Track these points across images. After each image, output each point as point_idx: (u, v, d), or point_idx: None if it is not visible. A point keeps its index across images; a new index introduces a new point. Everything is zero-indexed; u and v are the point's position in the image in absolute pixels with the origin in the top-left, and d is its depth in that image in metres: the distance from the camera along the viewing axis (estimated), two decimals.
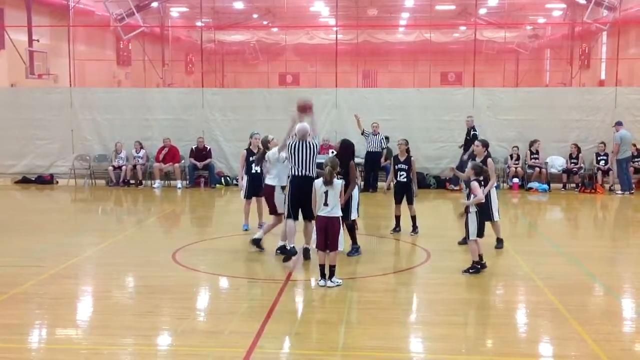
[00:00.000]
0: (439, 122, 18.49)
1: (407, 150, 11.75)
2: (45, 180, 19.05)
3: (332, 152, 15.22)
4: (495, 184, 10.40)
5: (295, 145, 9.47)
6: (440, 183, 18.25)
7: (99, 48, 31.02)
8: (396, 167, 11.74)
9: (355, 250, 10.09)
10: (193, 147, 18.60)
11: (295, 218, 9.48)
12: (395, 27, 39.23)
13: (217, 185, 18.52)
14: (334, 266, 8.41)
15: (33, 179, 19.13)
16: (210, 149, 18.67)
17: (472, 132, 17.06)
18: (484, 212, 9.34)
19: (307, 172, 9.38)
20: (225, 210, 16.25)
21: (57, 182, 19.19)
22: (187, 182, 18.51)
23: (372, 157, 17.52)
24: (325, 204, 8.38)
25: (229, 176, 18.75)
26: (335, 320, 7.18)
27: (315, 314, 7.70)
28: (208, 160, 18.51)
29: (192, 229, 13.40)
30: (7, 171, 19.37)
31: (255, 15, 38.55)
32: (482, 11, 34.00)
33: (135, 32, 24.55)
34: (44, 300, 8.03)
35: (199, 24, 31.43)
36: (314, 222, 9.02)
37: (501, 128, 18.57)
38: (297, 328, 7.13)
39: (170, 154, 18.53)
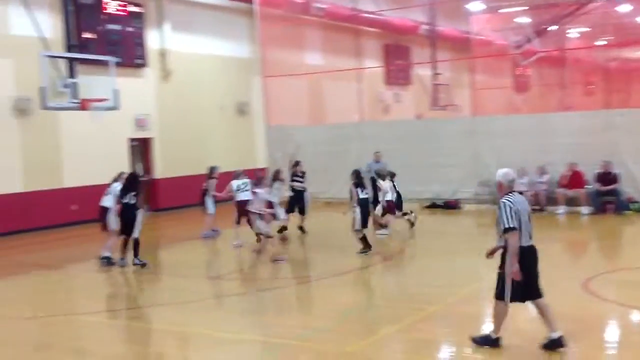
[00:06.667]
0: None
1: None
2: (451, 205, 19.94)
3: None
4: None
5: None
6: None
7: (497, 76, 31.66)
8: None
9: None
10: (597, 171, 17.65)
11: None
12: None
13: (626, 211, 17.23)
14: None
15: (440, 204, 20.16)
16: (616, 173, 17.49)
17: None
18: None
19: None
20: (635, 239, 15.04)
21: (462, 207, 19.92)
22: (593, 208, 17.60)
23: None
24: None
25: (638, 202, 17.31)
26: None
27: None
28: (613, 186, 17.36)
29: (600, 258, 12.69)
30: (418, 197, 20.65)
31: None
32: None
33: (533, 58, 24.50)
34: (456, 319, 8.42)
35: (599, 42, 29.95)
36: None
37: None
38: None
39: (575, 179, 17.87)
